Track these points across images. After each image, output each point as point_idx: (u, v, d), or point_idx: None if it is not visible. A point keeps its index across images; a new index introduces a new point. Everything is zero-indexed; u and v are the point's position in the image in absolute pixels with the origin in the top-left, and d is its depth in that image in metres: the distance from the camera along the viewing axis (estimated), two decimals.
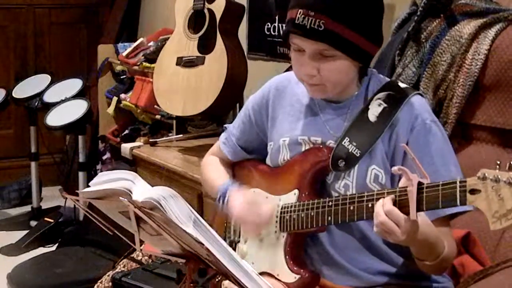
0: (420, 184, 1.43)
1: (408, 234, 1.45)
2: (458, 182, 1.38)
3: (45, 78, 4.39)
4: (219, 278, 1.69)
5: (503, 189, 1.30)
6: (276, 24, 3.47)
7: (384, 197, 1.48)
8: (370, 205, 1.52)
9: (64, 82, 4.30)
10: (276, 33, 3.47)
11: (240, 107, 3.36)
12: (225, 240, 1.87)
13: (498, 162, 1.34)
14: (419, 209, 1.43)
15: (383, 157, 1.66)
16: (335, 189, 1.69)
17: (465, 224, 1.82)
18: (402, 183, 1.48)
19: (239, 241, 1.84)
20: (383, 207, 1.46)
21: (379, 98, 1.69)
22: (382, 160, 1.66)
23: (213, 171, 1.99)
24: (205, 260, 1.46)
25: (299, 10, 1.61)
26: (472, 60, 2.05)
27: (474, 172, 1.68)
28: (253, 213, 1.72)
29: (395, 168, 1.46)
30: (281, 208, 1.73)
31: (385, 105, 1.68)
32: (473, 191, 1.35)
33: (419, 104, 1.68)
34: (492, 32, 2.06)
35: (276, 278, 1.70)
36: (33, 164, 4.39)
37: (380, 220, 1.45)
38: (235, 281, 1.46)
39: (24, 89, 4.34)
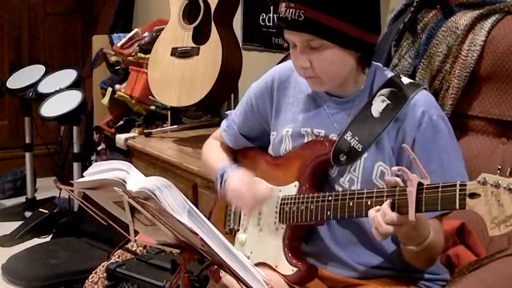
0: (420, 184, 1.42)
1: (400, 231, 1.47)
2: (458, 185, 1.37)
3: (40, 69, 4.37)
4: (217, 267, 1.69)
5: (503, 195, 1.30)
6: (271, 15, 3.45)
7: (383, 195, 1.49)
8: (369, 202, 1.52)
9: (59, 73, 4.28)
10: (271, 24, 3.45)
11: (235, 98, 3.36)
12: (224, 227, 1.87)
13: (499, 167, 1.33)
14: (418, 210, 1.42)
15: (389, 154, 1.65)
16: (340, 184, 1.69)
17: (459, 215, 1.82)
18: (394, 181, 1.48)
19: (238, 230, 1.84)
20: (384, 217, 1.45)
21: (382, 95, 1.68)
22: (388, 157, 1.65)
23: (214, 153, 1.98)
24: (200, 251, 1.46)
25: (283, 4, 1.63)
26: (468, 51, 2.05)
27: (469, 163, 1.69)
28: (250, 190, 1.72)
29: (394, 169, 1.46)
30: (281, 200, 1.73)
31: (389, 101, 1.67)
32: (473, 195, 1.34)
33: (425, 100, 1.67)
34: (488, 23, 2.06)
35: (274, 270, 1.70)
36: (27, 155, 4.37)
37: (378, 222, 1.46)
38: (230, 271, 1.46)
39: (18, 80, 4.31)
